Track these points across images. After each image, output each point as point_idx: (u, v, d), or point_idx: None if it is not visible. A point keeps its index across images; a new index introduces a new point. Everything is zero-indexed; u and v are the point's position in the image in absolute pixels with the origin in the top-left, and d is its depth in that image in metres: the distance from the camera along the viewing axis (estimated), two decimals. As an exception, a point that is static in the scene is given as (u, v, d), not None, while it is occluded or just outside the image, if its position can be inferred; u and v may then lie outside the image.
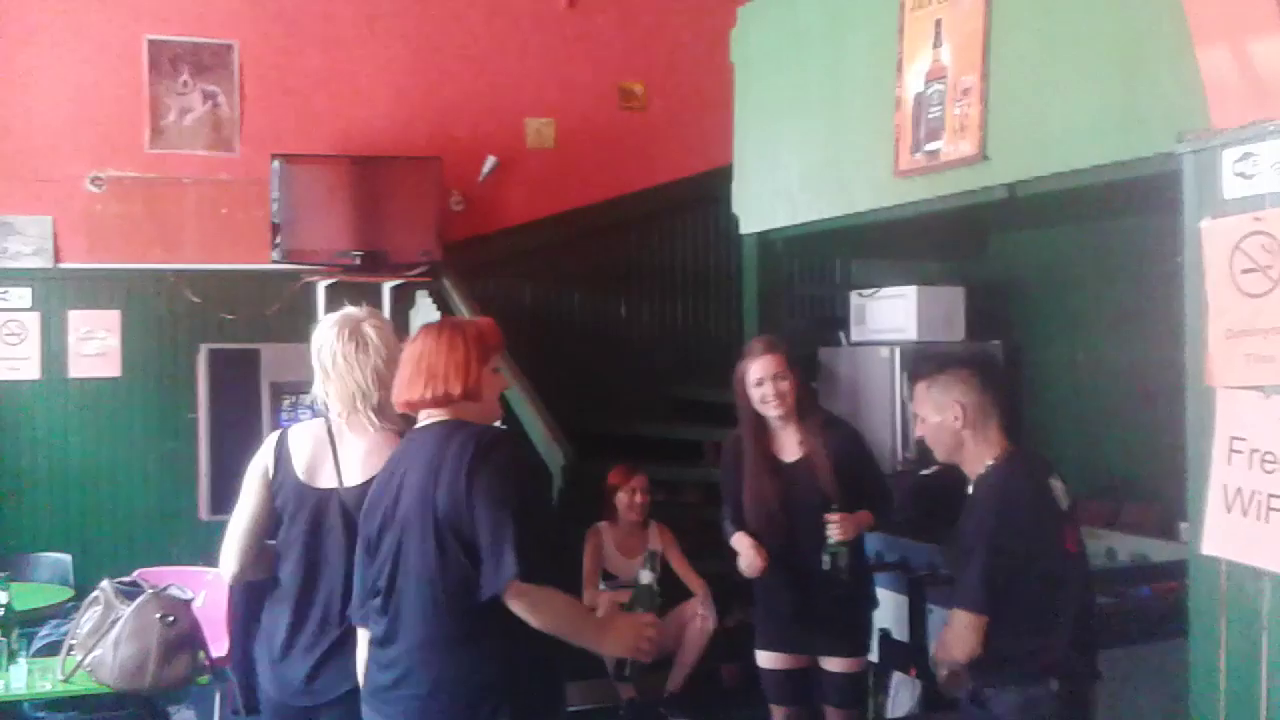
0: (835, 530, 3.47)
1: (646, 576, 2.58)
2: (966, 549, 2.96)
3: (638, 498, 4.99)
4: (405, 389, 2.55)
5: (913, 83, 4.28)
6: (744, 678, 5.32)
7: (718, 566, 5.61)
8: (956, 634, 2.92)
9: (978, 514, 2.96)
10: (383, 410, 2.81)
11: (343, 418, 2.85)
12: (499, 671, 2.41)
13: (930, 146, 4.17)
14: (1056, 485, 3.01)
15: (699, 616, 4.82)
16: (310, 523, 2.83)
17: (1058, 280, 5.50)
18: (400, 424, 2.79)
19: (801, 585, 3.62)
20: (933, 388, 3.10)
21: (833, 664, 3.65)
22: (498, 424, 2.68)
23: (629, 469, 5.06)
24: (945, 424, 3.05)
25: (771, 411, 3.67)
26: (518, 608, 2.36)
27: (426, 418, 2.55)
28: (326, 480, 2.84)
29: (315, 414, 2.98)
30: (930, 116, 4.17)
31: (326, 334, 2.86)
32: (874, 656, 3.94)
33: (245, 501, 2.91)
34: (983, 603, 2.89)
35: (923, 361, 3.52)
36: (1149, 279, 4.53)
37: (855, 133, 4.67)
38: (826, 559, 3.49)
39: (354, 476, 2.81)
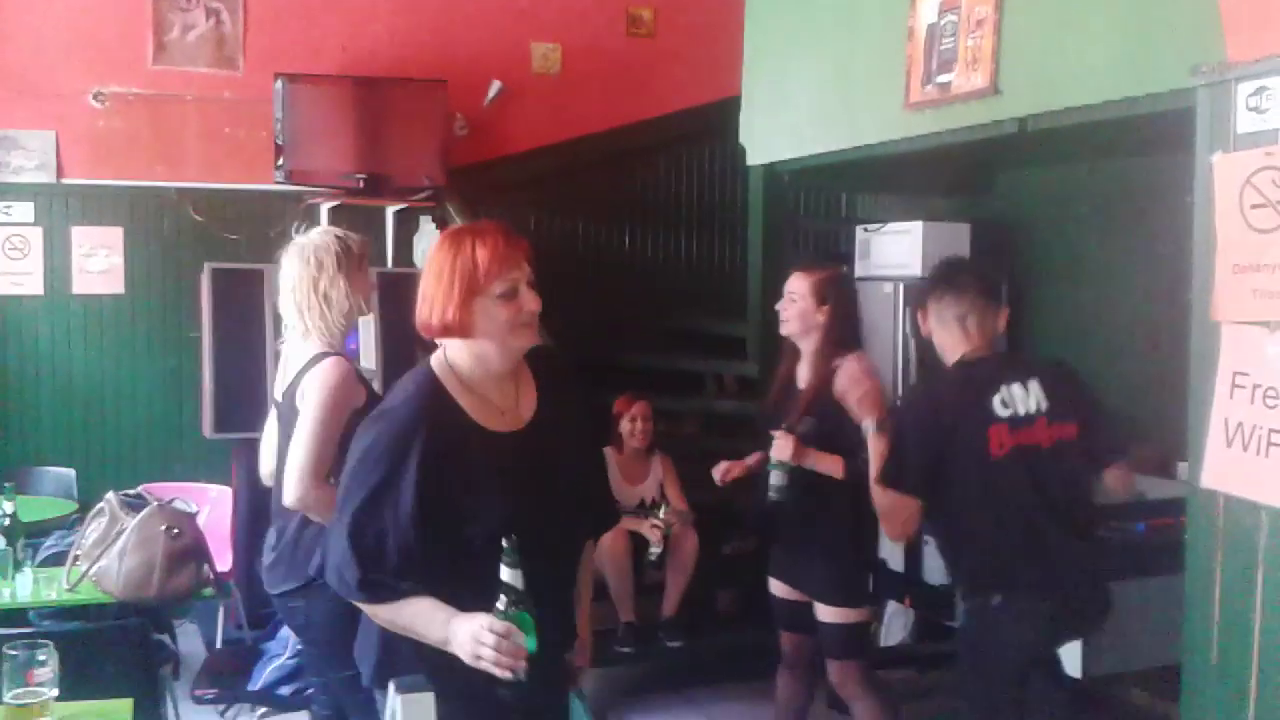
0: (774, 447, 3.46)
1: (507, 574, 2.03)
2: (895, 431, 3.12)
3: (639, 425, 5.02)
4: (417, 317, 2.24)
5: (926, 13, 4.23)
6: (741, 604, 5.42)
7: (715, 496, 5.68)
8: (884, 509, 3.07)
9: (908, 400, 3.22)
10: (311, 322, 3.02)
11: (292, 334, 3.09)
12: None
13: (941, 79, 4.14)
14: (1012, 390, 3.02)
15: (684, 538, 4.87)
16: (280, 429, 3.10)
17: (1063, 219, 5.48)
18: (336, 336, 3.02)
19: (784, 517, 3.63)
20: (935, 302, 3.20)
21: (823, 611, 3.61)
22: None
23: (631, 397, 5.09)
24: (949, 338, 3.16)
25: (782, 328, 3.67)
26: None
27: (434, 357, 2.31)
28: (277, 393, 3.12)
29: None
30: (943, 48, 4.14)
31: (286, 257, 3.10)
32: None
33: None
34: (908, 483, 3.00)
35: (926, 278, 3.53)
36: (1155, 219, 4.52)
37: (866, 64, 4.63)
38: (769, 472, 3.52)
39: (283, 384, 3.06)
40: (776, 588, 3.79)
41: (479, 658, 2.00)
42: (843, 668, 3.63)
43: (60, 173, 5.85)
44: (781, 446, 3.46)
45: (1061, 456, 3.04)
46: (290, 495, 2.90)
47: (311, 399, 2.92)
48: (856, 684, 3.63)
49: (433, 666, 2.11)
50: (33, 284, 5.81)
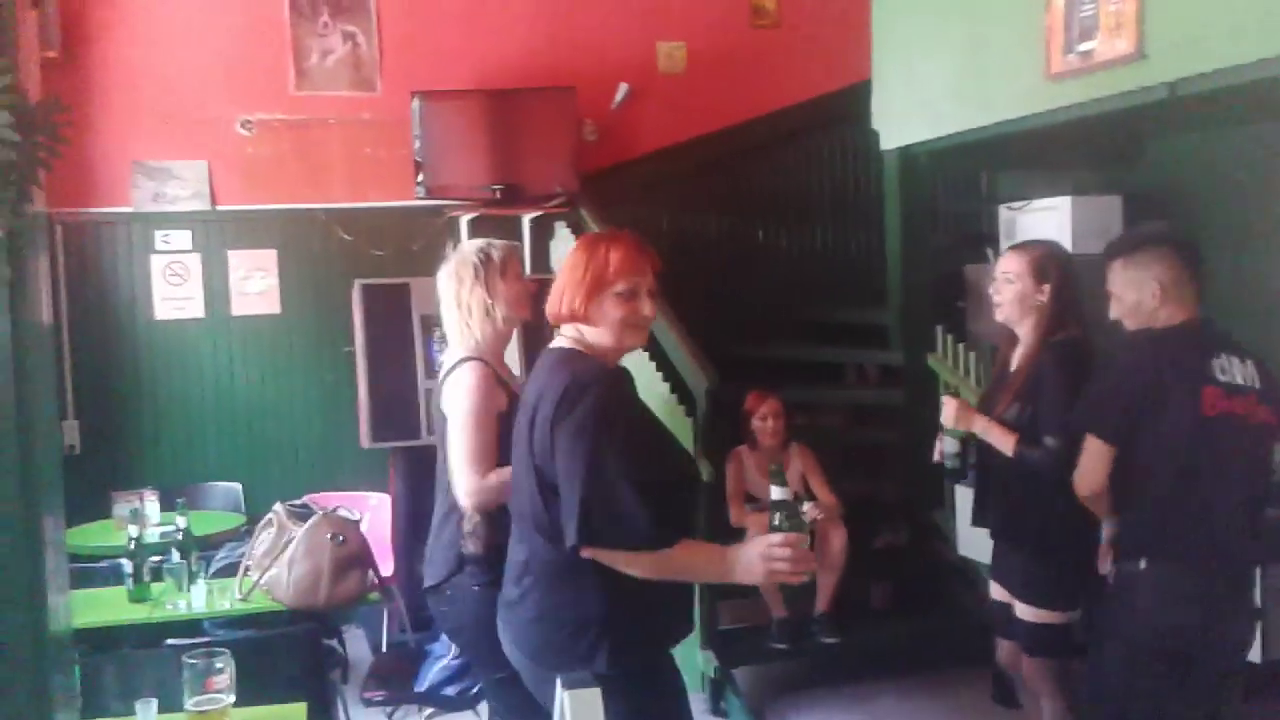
0: (942, 412, 3.34)
1: (778, 492, 2.30)
2: (1098, 378, 3.00)
3: (770, 422, 4.97)
4: (548, 303, 2.53)
5: (1063, -20, 4.09)
6: (893, 598, 5.33)
7: (863, 488, 5.61)
8: (1089, 460, 2.93)
9: (1127, 349, 3.01)
10: (461, 332, 3.12)
11: (454, 343, 3.17)
12: (599, 606, 2.35)
13: (1084, 46, 3.99)
14: (1230, 359, 2.92)
15: (832, 534, 4.81)
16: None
17: (1220, 187, 5.23)
18: (484, 345, 3.10)
19: (999, 510, 3.48)
20: (1129, 266, 3.04)
21: (1020, 609, 3.44)
22: (625, 357, 2.57)
23: (761, 393, 5.03)
24: (1143, 303, 3.01)
25: (996, 314, 3.47)
26: (606, 562, 2.33)
27: (557, 338, 2.55)
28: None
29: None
30: (1083, 14, 3.99)
31: (439, 276, 3.22)
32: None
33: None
34: (1109, 429, 2.87)
35: (1118, 241, 3.32)
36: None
37: (1001, 36, 4.50)
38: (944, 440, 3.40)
39: (436, 394, 3.18)
40: (994, 590, 3.60)
41: (774, 572, 2.27)
42: (1033, 664, 3.47)
43: (214, 200, 6.10)
44: (949, 412, 3.34)
45: (1262, 437, 2.95)
46: (460, 495, 2.97)
47: (457, 404, 3.02)
48: (1045, 681, 3.45)
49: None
50: (194, 308, 6.08)
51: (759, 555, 2.27)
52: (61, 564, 2.84)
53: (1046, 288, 3.36)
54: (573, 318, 2.45)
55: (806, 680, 4.96)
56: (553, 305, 2.50)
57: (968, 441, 3.39)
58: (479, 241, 3.24)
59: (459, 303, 3.12)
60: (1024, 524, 3.40)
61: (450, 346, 3.19)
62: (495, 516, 2.92)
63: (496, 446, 2.93)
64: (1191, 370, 2.89)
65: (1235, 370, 2.91)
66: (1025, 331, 3.43)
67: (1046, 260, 3.40)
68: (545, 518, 2.38)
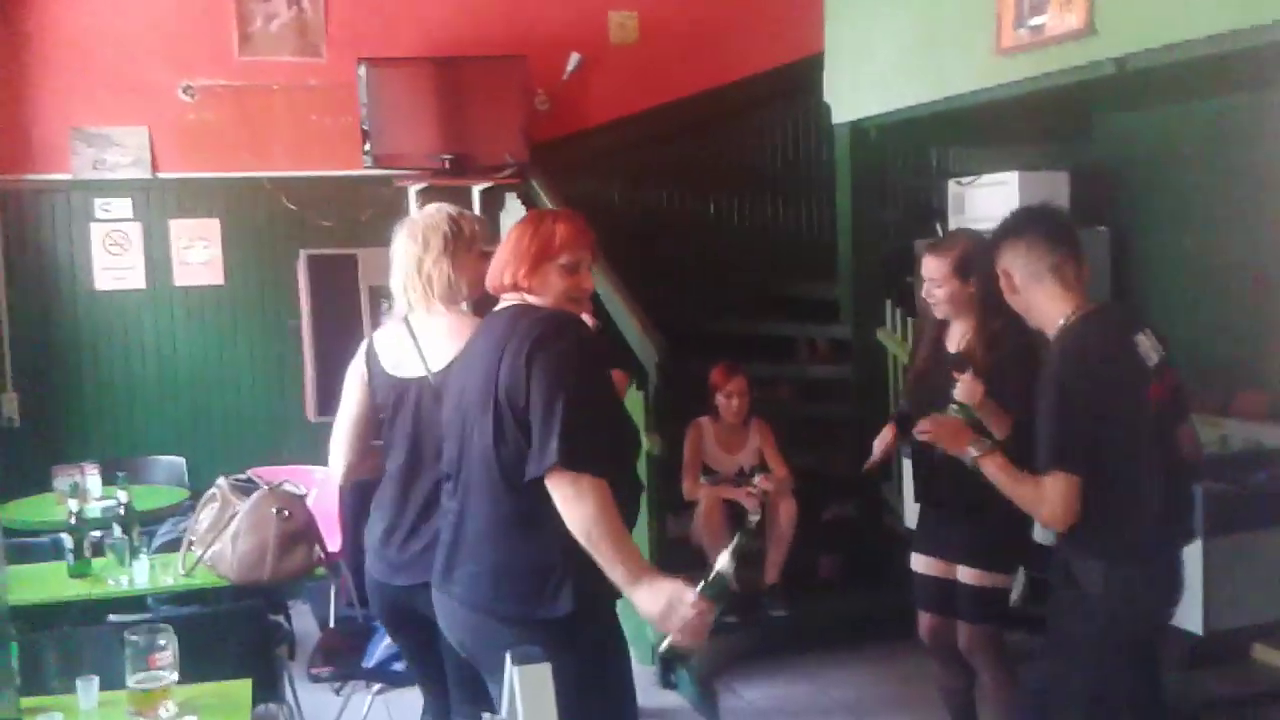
0: (958, 389, 3.22)
1: (725, 563, 2.22)
2: (1047, 407, 2.81)
3: (734, 401, 4.97)
4: (489, 274, 2.64)
5: (1015, -45, 4.10)
6: (841, 570, 5.37)
7: (812, 461, 5.64)
8: (1060, 497, 2.76)
9: (1053, 369, 2.82)
10: (452, 296, 2.98)
11: (418, 308, 2.99)
12: (561, 550, 2.36)
13: (1034, 21, 4.01)
14: (1143, 340, 2.81)
15: (781, 507, 4.83)
16: (412, 413, 2.95)
17: (1166, 163, 5.30)
18: (472, 305, 3.00)
19: (939, 481, 3.53)
20: (994, 259, 2.96)
21: (963, 573, 3.48)
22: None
23: (729, 370, 5.02)
24: (1007, 295, 2.93)
25: (935, 312, 3.54)
26: (557, 498, 2.33)
27: (503, 302, 2.59)
28: (413, 370, 2.96)
29: (392, 313, 3.17)
30: (1034, -10, 4.01)
31: (397, 234, 3.06)
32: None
33: (345, 404, 3.11)
34: (1075, 461, 2.74)
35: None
36: (1261, 160, 4.34)
37: (953, 11, 4.51)
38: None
39: (438, 361, 2.92)
40: (919, 563, 3.64)
41: (670, 621, 2.27)
42: (975, 633, 3.49)
43: (155, 167, 5.98)
44: (970, 389, 3.22)
45: (1173, 410, 2.87)
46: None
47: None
48: (986, 652, 3.49)
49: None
50: (135, 278, 5.96)
51: (669, 598, 2.27)
52: (-3, 540, 2.77)
53: (973, 280, 3.42)
54: (515, 288, 2.54)
55: (756, 652, 4.99)
56: (494, 276, 2.59)
57: (971, 420, 3.34)
58: (448, 208, 3.08)
59: (419, 268, 2.97)
60: (972, 492, 3.42)
61: (409, 310, 3.01)
62: None
63: None
64: (1130, 369, 2.78)
65: (1149, 350, 2.81)
66: (963, 322, 3.49)
67: (966, 256, 3.46)
68: (508, 460, 2.38)
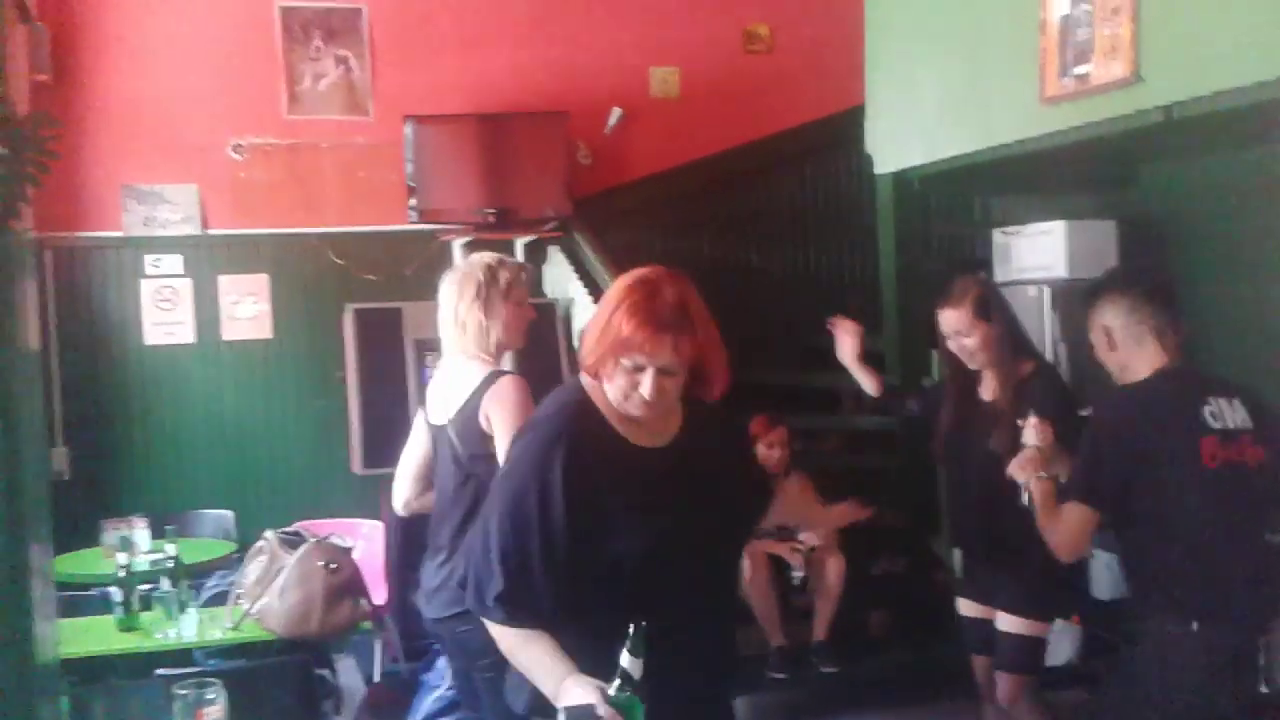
0: (1031, 433, 3.12)
1: (628, 661, 1.94)
2: (1084, 440, 2.88)
3: (775, 451, 4.93)
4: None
5: (1058, 4, 4.10)
6: (891, 626, 5.28)
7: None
8: (1065, 526, 2.83)
9: (1102, 407, 2.90)
10: (483, 342, 3.05)
11: (453, 354, 3.10)
12: None
13: (1079, 70, 3.99)
14: (1219, 403, 2.82)
15: (830, 562, 4.77)
16: (438, 457, 3.13)
17: (1217, 212, 5.21)
18: (497, 356, 3.07)
19: (974, 525, 3.52)
20: (1089, 312, 3.02)
21: (1003, 620, 3.46)
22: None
23: (770, 422, 4.99)
24: (1100, 349, 2.98)
25: (971, 365, 3.55)
26: None
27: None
28: (440, 416, 3.09)
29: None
30: (1079, 38, 3.99)
31: (441, 282, 3.17)
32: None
33: (409, 443, 3.28)
34: (1096, 497, 2.78)
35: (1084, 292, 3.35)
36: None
37: (996, 60, 4.50)
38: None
39: (452, 408, 3.04)
40: (965, 607, 3.64)
41: None
42: (1013, 681, 3.48)
43: (205, 224, 6.07)
44: (1040, 431, 3.11)
45: (1265, 480, 2.84)
46: None
47: (508, 417, 2.91)
48: (1025, 700, 3.48)
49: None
50: (184, 333, 6.03)
51: (575, 702, 1.96)
52: (48, 593, 2.80)
53: (996, 323, 3.46)
54: (586, 369, 2.18)
55: (806, 710, 4.89)
56: (580, 345, 2.27)
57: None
58: (489, 256, 3.16)
59: (455, 317, 3.07)
60: (1013, 537, 3.36)
61: (445, 356, 3.13)
62: None
63: None
64: (1182, 425, 2.80)
65: (1227, 414, 2.83)
66: (996, 371, 3.50)
67: (981, 298, 3.49)
68: None
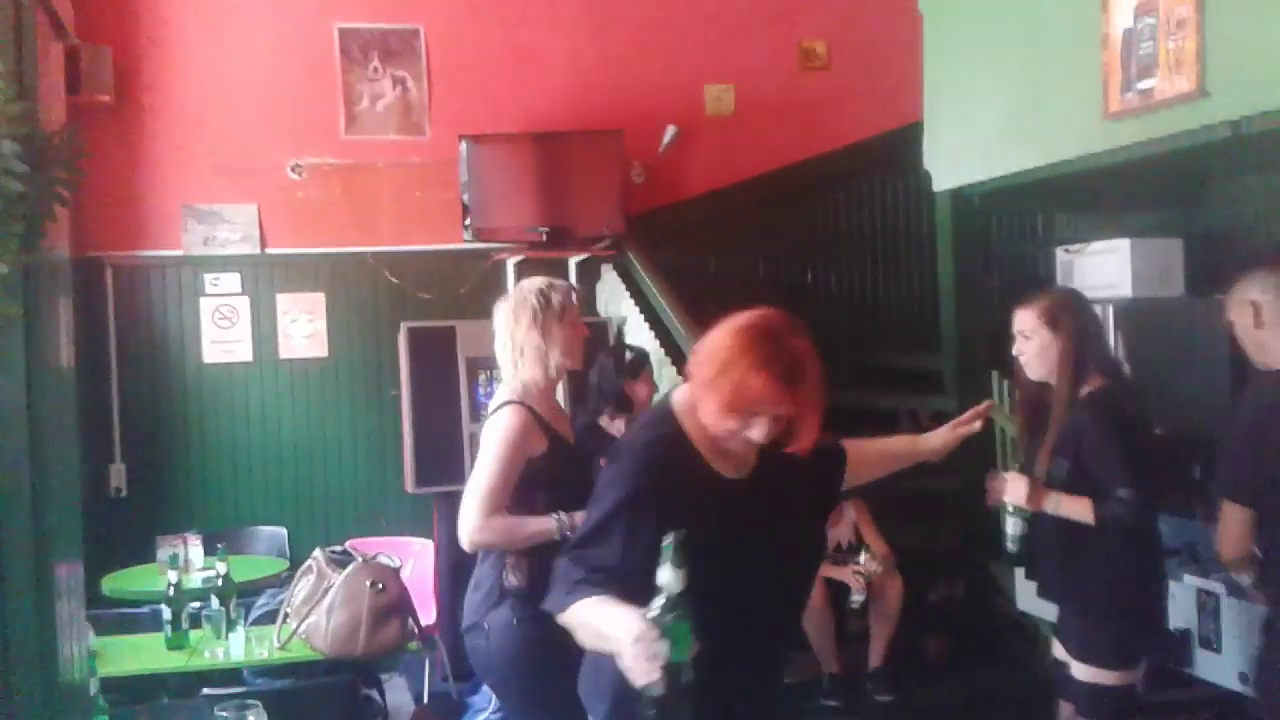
0: (1007, 488, 3.12)
1: (666, 575, 1.84)
2: (1229, 438, 2.85)
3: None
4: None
5: (1120, 18, 4.01)
6: (950, 654, 5.17)
7: (917, 538, 5.46)
8: (1223, 525, 2.80)
9: (1240, 410, 2.87)
10: (543, 367, 3.04)
11: (509, 379, 3.10)
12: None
13: (1143, 85, 3.90)
14: None
15: (888, 585, 4.67)
16: None
17: (1285, 229, 5.08)
18: (532, 385, 3.04)
19: (1052, 564, 3.31)
20: (1232, 291, 2.98)
21: (1077, 668, 3.25)
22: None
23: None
24: (1245, 328, 2.92)
25: (1028, 372, 3.35)
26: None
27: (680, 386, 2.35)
28: None
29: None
30: (1142, 52, 3.90)
31: (497, 309, 3.15)
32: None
33: None
34: (1237, 491, 2.73)
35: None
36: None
37: (1057, 75, 4.42)
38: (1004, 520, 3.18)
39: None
40: (1057, 649, 3.41)
41: (626, 664, 1.84)
42: None
43: (264, 243, 6.13)
44: (1016, 489, 3.13)
45: None
46: (462, 530, 2.93)
47: (488, 443, 2.98)
48: None
49: None
50: (242, 351, 6.09)
51: (624, 633, 1.86)
52: (78, 612, 2.80)
53: (1062, 334, 3.24)
54: (694, 396, 2.14)
55: (859, 737, 4.81)
56: (692, 367, 2.17)
57: (1031, 520, 3.17)
58: (539, 281, 3.15)
59: (512, 342, 3.07)
60: (1079, 582, 3.23)
61: (502, 384, 3.14)
62: (540, 546, 2.89)
63: (509, 492, 2.93)
64: None
65: None
66: (1055, 383, 3.28)
67: (1056, 308, 3.29)
68: None
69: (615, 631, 1.89)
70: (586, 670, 2.29)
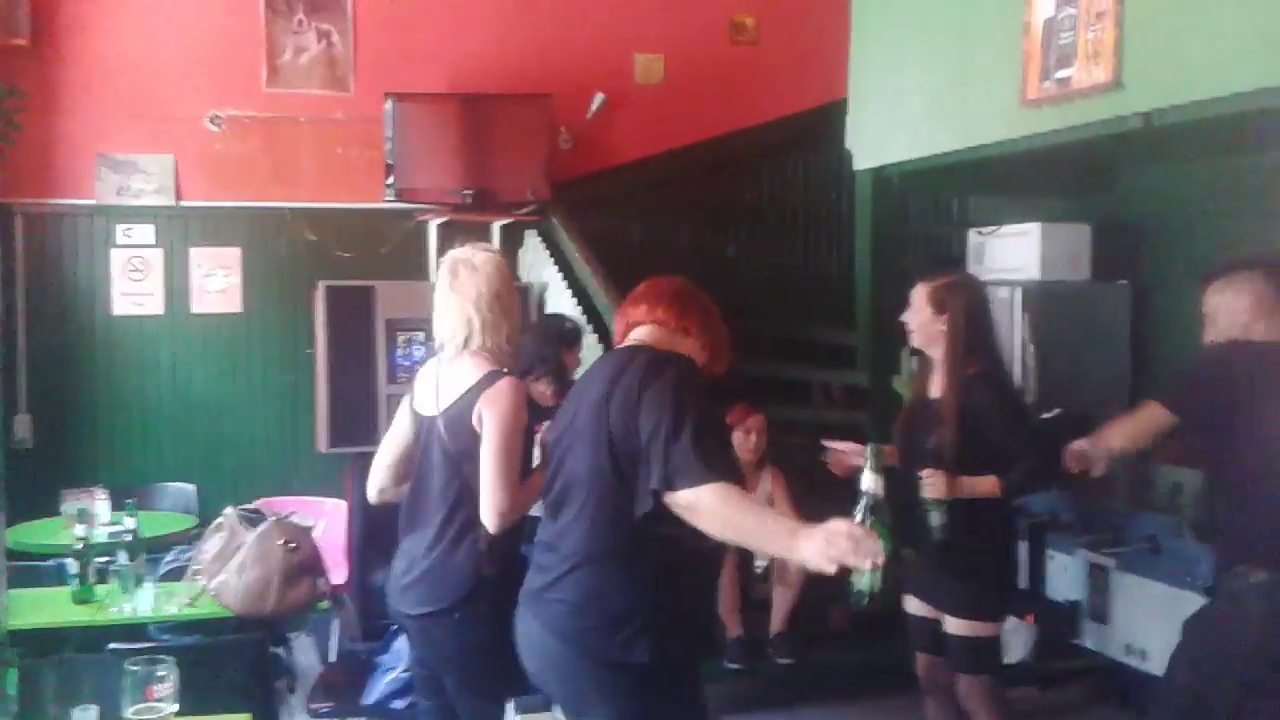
0: (925, 486, 3.35)
1: (869, 482, 2.18)
2: (1193, 367, 3.11)
3: (753, 438, 4.92)
4: (630, 306, 2.69)
5: (1043, 6, 4.10)
6: (853, 621, 5.29)
7: (826, 509, 5.56)
8: (1131, 417, 3.04)
9: (1221, 348, 3.08)
10: (486, 339, 2.97)
11: (454, 350, 3.00)
12: (644, 599, 2.40)
13: (1061, 74, 4.00)
14: None
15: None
16: (423, 448, 3.03)
17: (1191, 219, 5.24)
18: (501, 353, 2.99)
19: (921, 532, 3.51)
20: (1221, 290, 3.16)
21: (951, 624, 3.50)
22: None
23: (748, 408, 4.98)
24: (1235, 325, 3.09)
25: (911, 340, 3.61)
26: (694, 513, 2.31)
27: (628, 341, 2.64)
28: (429, 408, 3.02)
29: (430, 350, 3.22)
30: (1061, 42, 4.00)
31: (443, 273, 3.05)
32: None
33: (390, 431, 3.19)
34: (1181, 405, 2.97)
35: (1213, 267, 3.45)
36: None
37: (980, 60, 4.50)
38: (929, 515, 3.39)
39: (445, 402, 2.97)
40: (911, 604, 3.66)
41: (835, 551, 2.10)
42: (970, 683, 3.51)
43: (179, 195, 6.01)
44: (935, 485, 3.34)
45: None
46: (494, 513, 2.86)
47: (499, 420, 2.88)
48: (983, 700, 3.50)
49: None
50: (154, 304, 5.98)
51: (825, 535, 2.14)
52: (-1, 563, 2.75)
53: (944, 317, 3.45)
54: (662, 323, 2.66)
55: (760, 701, 4.91)
56: (637, 309, 2.68)
57: (951, 507, 3.37)
58: (486, 247, 3.11)
59: (499, 303, 2.97)
60: (965, 544, 3.43)
61: (462, 352, 2.99)
62: (510, 532, 2.90)
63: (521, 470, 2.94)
64: (1268, 391, 2.89)
65: None
66: (937, 359, 3.53)
67: (945, 291, 3.49)
68: (617, 490, 2.40)
69: (817, 536, 2.13)
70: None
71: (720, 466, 2.33)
